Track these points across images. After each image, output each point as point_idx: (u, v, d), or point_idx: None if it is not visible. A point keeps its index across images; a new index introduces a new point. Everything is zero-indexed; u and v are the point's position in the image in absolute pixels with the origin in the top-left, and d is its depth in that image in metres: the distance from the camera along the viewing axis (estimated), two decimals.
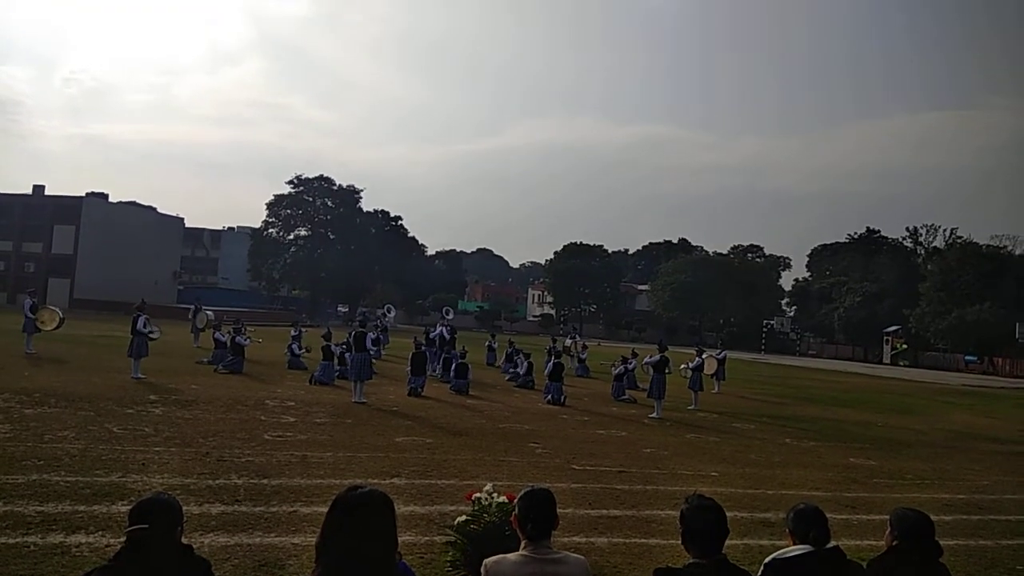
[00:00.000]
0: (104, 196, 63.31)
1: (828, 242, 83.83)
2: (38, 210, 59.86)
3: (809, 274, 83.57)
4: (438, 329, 27.51)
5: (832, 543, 3.21)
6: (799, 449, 13.81)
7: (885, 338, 63.96)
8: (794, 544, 3.27)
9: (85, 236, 57.91)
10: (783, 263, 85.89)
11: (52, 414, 11.33)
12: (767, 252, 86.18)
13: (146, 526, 2.63)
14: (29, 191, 61.83)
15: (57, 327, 21.08)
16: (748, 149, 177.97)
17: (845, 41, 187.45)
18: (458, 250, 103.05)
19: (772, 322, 68.72)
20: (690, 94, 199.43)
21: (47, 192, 61.53)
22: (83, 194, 61.22)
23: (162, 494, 2.87)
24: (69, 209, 58.86)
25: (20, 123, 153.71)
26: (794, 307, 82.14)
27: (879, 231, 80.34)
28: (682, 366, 20.46)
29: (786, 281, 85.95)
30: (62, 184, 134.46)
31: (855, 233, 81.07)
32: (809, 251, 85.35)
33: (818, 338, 77.29)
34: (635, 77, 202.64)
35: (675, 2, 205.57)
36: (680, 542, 3.11)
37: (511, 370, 22.61)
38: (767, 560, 3.32)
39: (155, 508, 2.72)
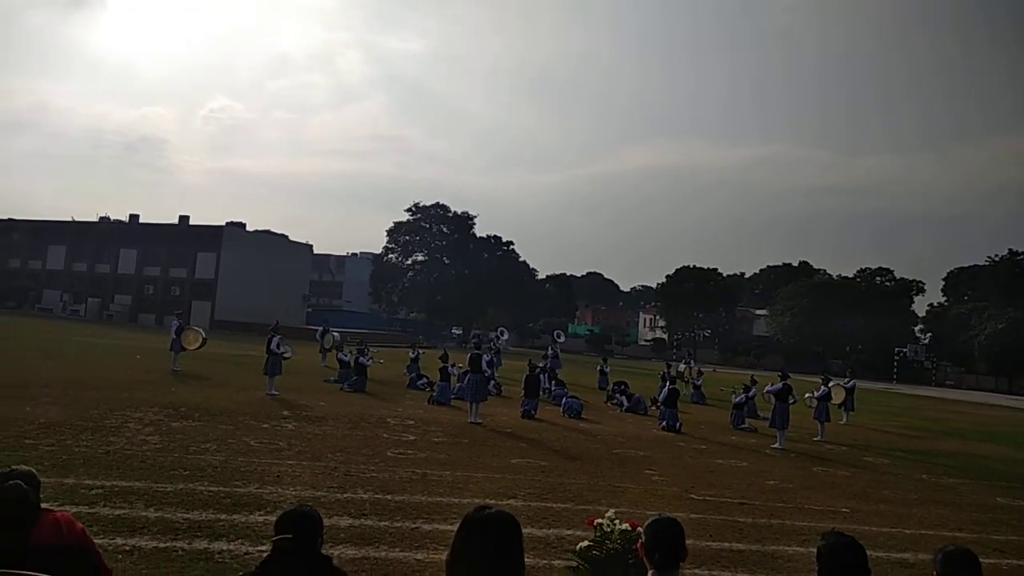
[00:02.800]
0: (242, 225, 67.77)
1: (965, 265, 78.00)
2: (183, 238, 64.83)
3: (945, 299, 77.84)
4: (550, 351, 27.73)
5: None
6: (938, 486, 12.84)
7: None
8: None
9: (225, 262, 62.14)
10: (916, 287, 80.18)
11: (196, 427, 12.20)
12: (897, 276, 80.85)
13: (290, 536, 2.80)
14: (175, 221, 67.20)
15: (200, 347, 22.68)
16: (870, 169, 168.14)
17: (973, 51, 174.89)
18: (568, 274, 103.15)
19: (905, 350, 64.40)
20: (806, 113, 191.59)
21: (191, 222, 66.64)
22: (223, 223, 65.86)
23: (305, 506, 3.03)
24: (211, 237, 63.41)
25: (166, 159, 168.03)
26: (929, 334, 76.60)
27: (1023, 253, 73.92)
28: (807, 395, 19.53)
29: (919, 306, 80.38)
30: (202, 214, 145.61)
31: (996, 256, 74.89)
32: (944, 275, 79.70)
33: (956, 368, 71.71)
34: (748, 98, 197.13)
35: (788, 19, 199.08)
36: None
37: (618, 397, 22.43)
38: None
39: (299, 519, 2.88)
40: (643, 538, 3.11)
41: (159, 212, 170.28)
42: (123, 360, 23.84)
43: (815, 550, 2.98)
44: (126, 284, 65.28)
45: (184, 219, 67.12)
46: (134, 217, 69.29)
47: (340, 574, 2.96)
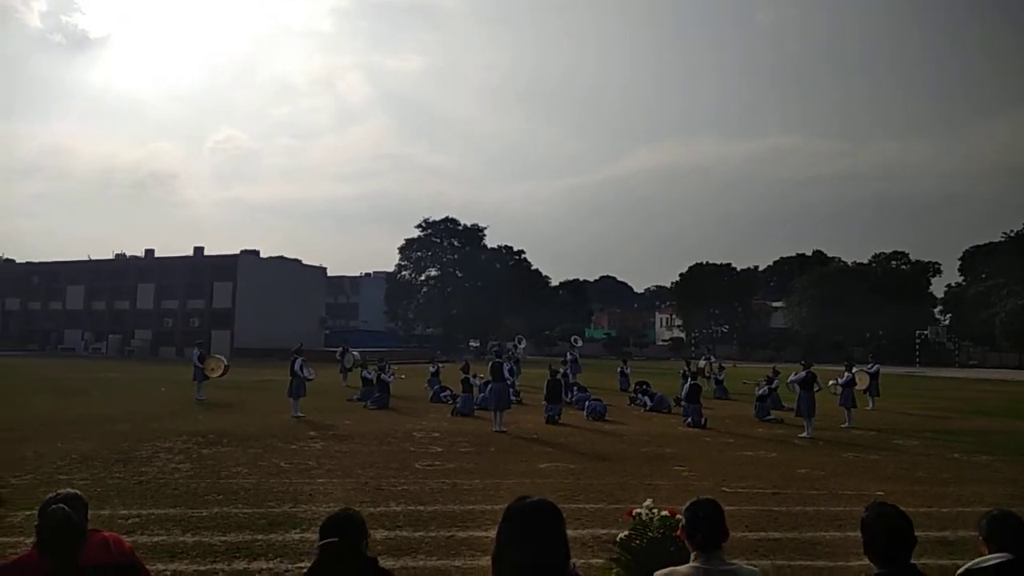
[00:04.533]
0: (256, 253, 68.29)
1: (981, 243, 77.06)
2: (199, 269, 65.48)
3: (963, 279, 76.86)
4: (569, 357, 27.70)
5: None
6: (971, 464, 12.70)
7: None
8: (990, 553, 3.06)
9: (241, 290, 62.62)
10: (932, 269, 79.22)
11: (226, 452, 12.30)
12: (913, 258, 79.96)
13: (336, 539, 2.84)
14: (189, 253, 67.82)
15: (223, 374, 22.85)
16: (880, 154, 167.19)
17: (980, 29, 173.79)
18: (581, 279, 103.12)
19: (926, 332, 63.73)
20: (811, 103, 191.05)
21: (206, 253, 67.23)
22: (237, 252, 66.44)
23: (349, 509, 3.07)
24: (226, 267, 63.97)
25: (176, 193, 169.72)
26: (949, 315, 75.67)
27: None
28: (831, 382, 19.36)
29: (937, 288, 79.43)
30: (216, 244, 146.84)
31: (1012, 231, 73.96)
32: (961, 254, 78.78)
33: (979, 347, 70.78)
34: (749, 93, 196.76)
35: (782, 14, 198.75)
36: (863, 552, 2.98)
37: (641, 397, 22.36)
38: (960, 572, 3.13)
39: (344, 522, 2.93)
40: (683, 522, 3.12)
41: (173, 245, 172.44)
42: (148, 393, 24.05)
43: (853, 532, 2.97)
44: (145, 319, 65.96)
45: (199, 250, 67.72)
46: (149, 252, 70.06)
47: (387, 574, 2.99)
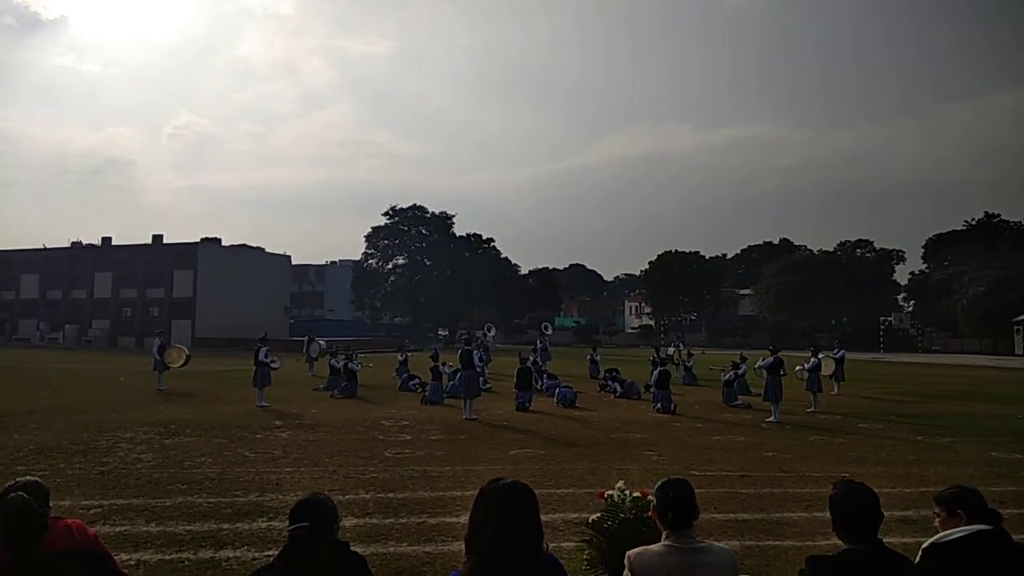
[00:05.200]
0: (217, 241, 67.07)
1: (944, 231, 78.79)
2: (159, 258, 64.15)
3: (926, 266, 78.45)
4: (539, 344, 27.75)
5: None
6: (934, 446, 12.98)
7: (1015, 328, 59.34)
8: (946, 528, 3.12)
9: (202, 279, 61.50)
10: (896, 256, 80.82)
11: (189, 443, 12.06)
12: (877, 246, 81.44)
13: (306, 524, 2.76)
14: (148, 241, 66.34)
15: (184, 364, 22.45)
16: (845, 142, 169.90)
17: (941, 16, 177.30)
18: (551, 267, 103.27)
19: (890, 319, 65.07)
20: (778, 91, 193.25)
21: (165, 241, 65.84)
22: (198, 240, 65.18)
23: (319, 494, 2.99)
24: (186, 255, 62.77)
25: (135, 180, 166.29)
26: (912, 302, 77.31)
27: (999, 215, 74.78)
28: (797, 368, 19.67)
29: (901, 275, 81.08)
30: (176, 232, 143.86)
31: (973, 219, 75.83)
32: (924, 242, 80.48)
33: (941, 333, 72.45)
34: (719, 82, 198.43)
35: (754, 2, 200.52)
36: (832, 528, 2.99)
37: (611, 384, 22.49)
38: (926, 545, 3.16)
39: (314, 507, 2.85)
40: (655, 502, 3.11)
41: (132, 234, 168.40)
42: (107, 384, 23.53)
43: (820, 513, 2.98)
44: (103, 308, 64.49)
45: (158, 238, 66.31)
46: (106, 240, 68.39)
47: (358, 558, 2.93)
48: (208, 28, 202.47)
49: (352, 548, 2.95)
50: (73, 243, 70.20)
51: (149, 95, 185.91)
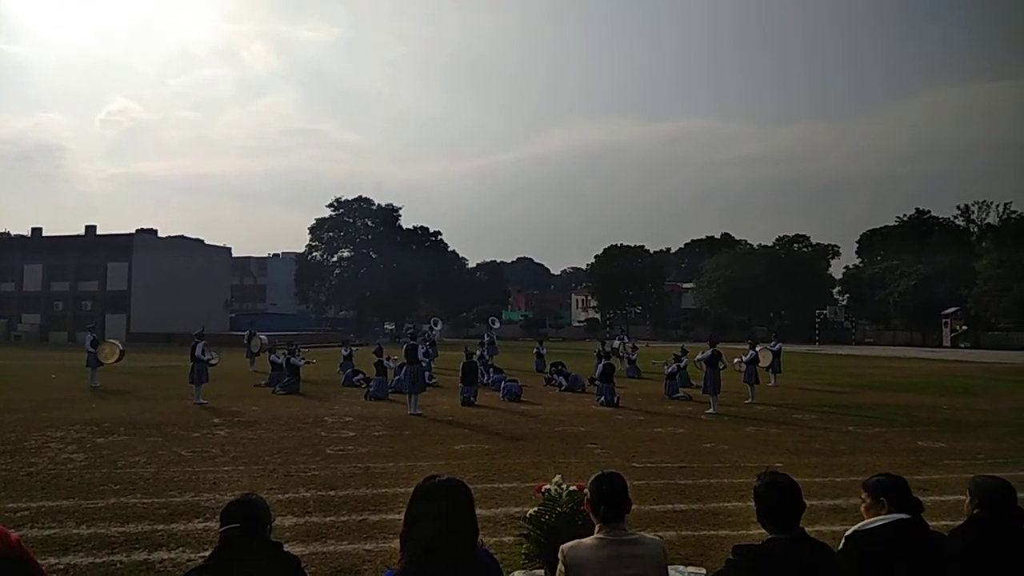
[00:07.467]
0: (153, 232, 65.12)
1: (877, 227, 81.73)
2: (91, 250, 61.87)
3: (860, 261, 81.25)
4: (486, 338, 27.77)
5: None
6: (864, 436, 13.50)
7: (943, 321, 62.04)
8: (875, 515, 3.25)
9: (137, 272, 59.66)
10: (832, 251, 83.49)
11: (122, 441, 11.72)
12: (814, 241, 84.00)
13: (238, 525, 2.72)
14: (81, 232, 63.94)
15: (118, 360, 21.76)
16: (787, 138, 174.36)
17: (874, 18, 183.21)
18: (499, 260, 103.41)
19: (825, 312, 67.19)
20: (724, 86, 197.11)
21: (99, 232, 63.57)
22: (133, 231, 63.11)
23: (251, 494, 2.95)
24: (121, 247, 60.74)
25: (65, 167, 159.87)
26: (847, 295, 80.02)
27: (929, 211, 77.86)
28: (735, 360, 20.19)
29: (836, 269, 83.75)
30: (110, 223, 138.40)
31: (904, 215, 78.84)
32: (858, 237, 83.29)
33: (874, 325, 75.24)
34: (670, 73, 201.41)
35: None
36: (757, 519, 3.09)
37: (556, 378, 22.70)
38: (848, 533, 3.29)
39: (245, 508, 2.81)
40: (588, 495, 3.17)
41: (63, 224, 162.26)
42: (37, 380, 22.65)
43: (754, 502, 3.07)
44: (33, 302, 61.94)
45: (91, 229, 63.92)
46: (36, 231, 65.71)
47: (291, 558, 2.90)
48: (144, 9, 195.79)
49: (289, 548, 2.92)
50: (1, 233, 67.18)
51: (82, 79, 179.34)
